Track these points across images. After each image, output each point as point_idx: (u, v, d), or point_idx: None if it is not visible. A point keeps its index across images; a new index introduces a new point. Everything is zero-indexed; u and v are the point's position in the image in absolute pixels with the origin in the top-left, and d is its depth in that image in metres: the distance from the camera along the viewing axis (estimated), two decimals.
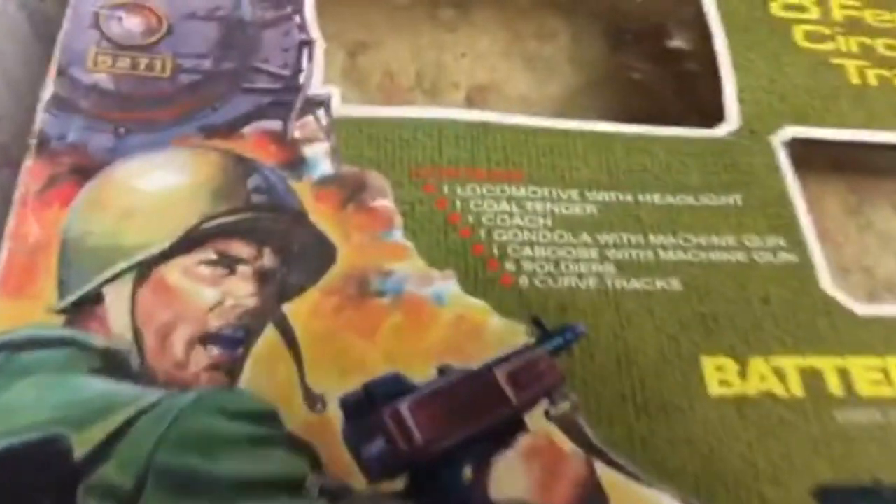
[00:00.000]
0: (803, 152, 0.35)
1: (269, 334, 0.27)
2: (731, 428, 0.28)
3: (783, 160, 0.34)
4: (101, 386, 0.25)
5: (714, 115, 0.35)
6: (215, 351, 0.27)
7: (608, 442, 0.26)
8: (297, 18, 0.35)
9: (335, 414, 0.26)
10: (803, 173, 0.34)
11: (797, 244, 0.32)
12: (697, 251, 0.31)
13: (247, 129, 0.32)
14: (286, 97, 0.33)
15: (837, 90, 0.37)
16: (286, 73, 0.34)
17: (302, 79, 0.33)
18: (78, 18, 0.34)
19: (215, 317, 0.27)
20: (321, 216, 0.30)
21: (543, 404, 0.27)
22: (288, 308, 0.28)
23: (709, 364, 0.29)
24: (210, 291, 0.28)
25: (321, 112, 0.33)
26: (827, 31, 0.39)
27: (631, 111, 0.37)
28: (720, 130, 0.35)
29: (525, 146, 0.33)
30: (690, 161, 0.34)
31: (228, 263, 0.28)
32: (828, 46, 0.38)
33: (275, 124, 0.32)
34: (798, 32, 0.38)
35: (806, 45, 0.38)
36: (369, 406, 0.25)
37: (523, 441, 0.26)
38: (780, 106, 0.36)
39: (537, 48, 0.40)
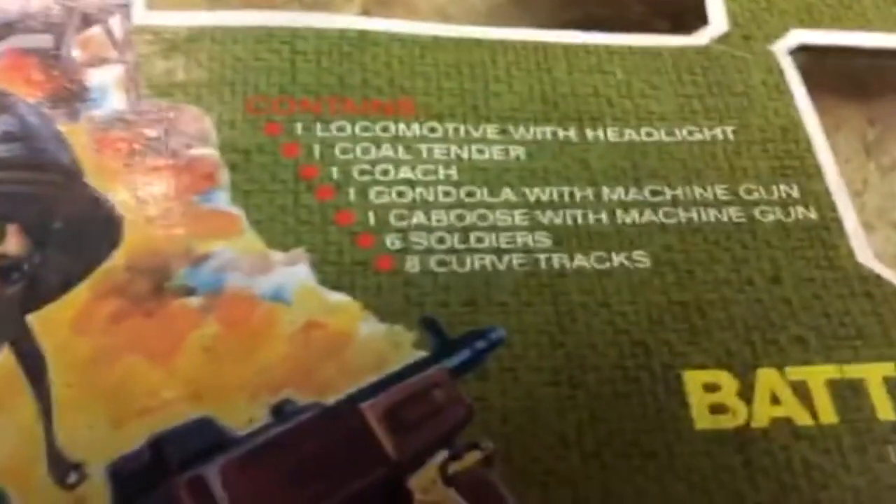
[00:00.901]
0: (809, 65, 0.31)
1: (1, 361, 0.22)
2: (731, 479, 0.22)
3: (791, 75, 0.30)
4: None
5: (691, 17, 0.32)
6: None
7: None
8: None
9: (99, 489, 0.21)
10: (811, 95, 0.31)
11: (817, 194, 0.27)
12: (672, 209, 0.27)
13: None
14: None
15: None
16: None
17: None
18: None
19: None
20: (104, 174, 0.25)
21: (440, 457, 0.22)
22: (36, 319, 0.23)
23: (695, 381, 0.24)
24: None
25: (115, 21, 0.28)
26: None
27: (576, 15, 0.32)
28: (701, 37, 0.31)
29: (420, 65, 0.28)
30: (660, 81, 0.29)
31: None
32: None
33: (42, 39, 0.27)
34: None
35: None
36: (157, 472, 0.21)
37: None
38: (781, 3, 0.32)
39: None
